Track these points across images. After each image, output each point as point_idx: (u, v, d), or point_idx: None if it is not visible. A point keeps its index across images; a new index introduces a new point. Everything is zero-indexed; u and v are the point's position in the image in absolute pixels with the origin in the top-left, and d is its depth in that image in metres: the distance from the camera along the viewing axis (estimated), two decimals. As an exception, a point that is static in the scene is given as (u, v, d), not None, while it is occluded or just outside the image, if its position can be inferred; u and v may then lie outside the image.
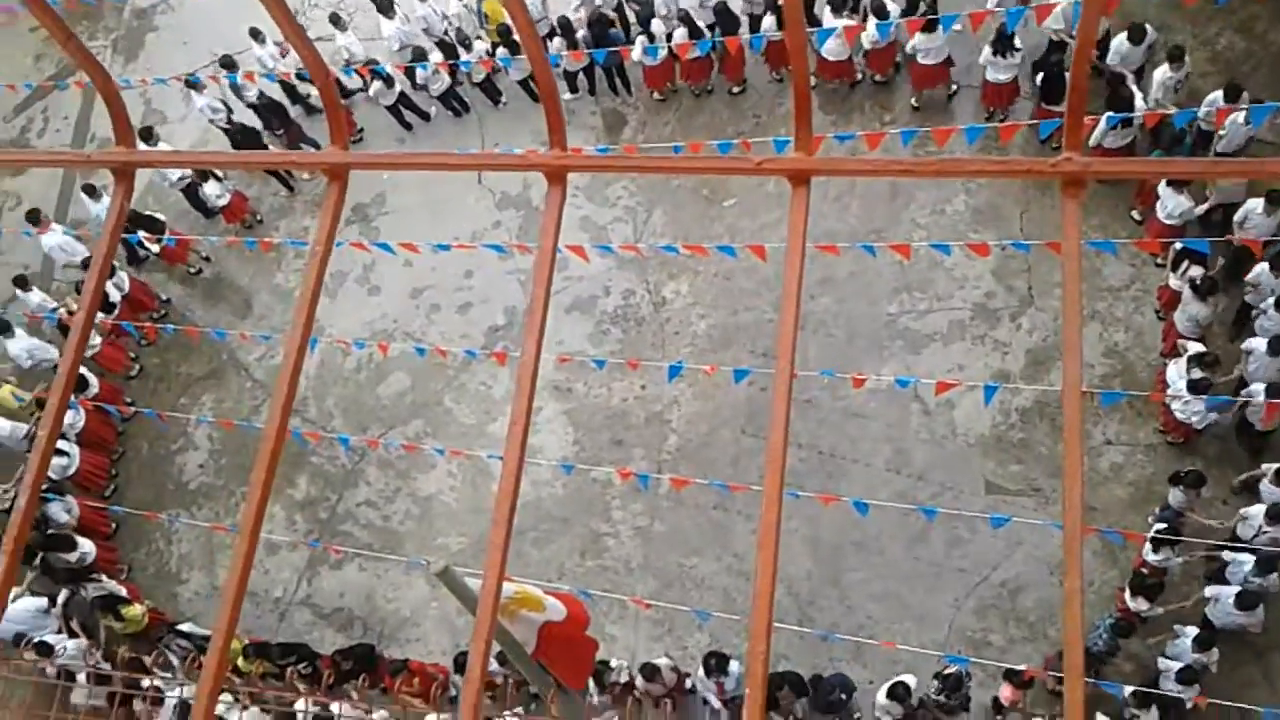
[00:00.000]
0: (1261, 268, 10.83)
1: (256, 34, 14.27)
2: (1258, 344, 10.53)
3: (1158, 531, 10.30)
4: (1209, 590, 10.05)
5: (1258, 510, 10.02)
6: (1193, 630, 9.88)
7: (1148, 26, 11.95)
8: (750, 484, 11.21)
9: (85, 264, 13.82)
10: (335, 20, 14.37)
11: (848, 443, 12.14)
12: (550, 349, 12.69)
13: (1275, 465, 10.26)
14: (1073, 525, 1.01)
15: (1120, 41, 11.96)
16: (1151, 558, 10.24)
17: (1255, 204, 10.98)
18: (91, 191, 14.07)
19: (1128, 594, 10.27)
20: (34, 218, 13.76)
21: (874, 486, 11.64)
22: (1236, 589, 9.75)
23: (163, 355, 14.56)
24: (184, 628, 12.07)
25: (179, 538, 13.43)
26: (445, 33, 14.57)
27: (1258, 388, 10.32)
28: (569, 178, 1.30)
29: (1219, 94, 11.36)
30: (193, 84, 14.15)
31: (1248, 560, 9.89)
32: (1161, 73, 11.66)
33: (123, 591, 12.26)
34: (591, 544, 12.33)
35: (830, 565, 11.60)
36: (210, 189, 14.29)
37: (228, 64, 14.33)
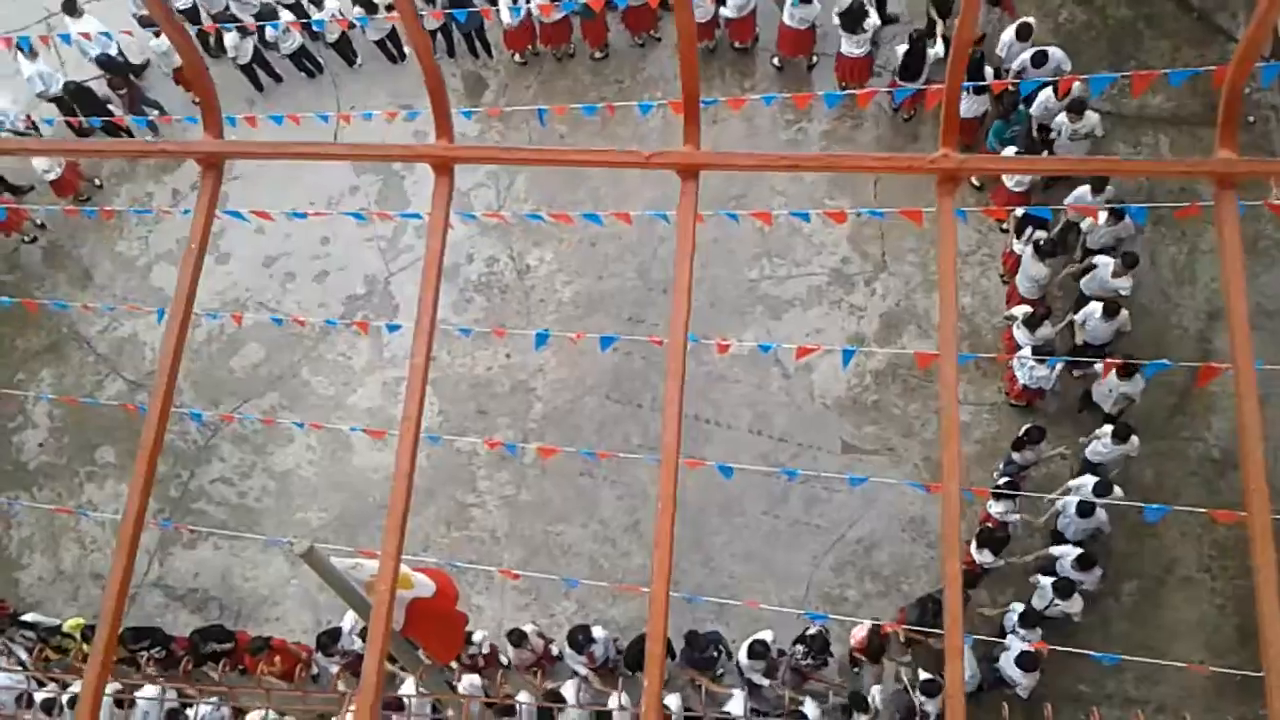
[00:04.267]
0: (1083, 190, 11.49)
1: (72, 7, 13.38)
2: (1093, 308, 11.11)
3: (999, 486, 10.84)
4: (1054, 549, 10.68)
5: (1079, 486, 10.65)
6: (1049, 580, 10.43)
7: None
8: (616, 450, 11.31)
9: None
10: None
11: (711, 407, 12.34)
12: (412, 318, 12.47)
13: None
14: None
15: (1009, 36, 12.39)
16: (994, 510, 10.78)
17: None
18: None
19: (973, 546, 10.77)
20: None
21: (737, 450, 11.87)
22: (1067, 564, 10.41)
23: (-5, 329, 13.76)
24: (27, 618, 11.52)
25: (18, 521, 12.78)
26: None
27: (1094, 306, 10.92)
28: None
29: (1011, 33, 12.10)
30: (22, 48, 13.24)
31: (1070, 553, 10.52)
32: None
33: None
34: (457, 515, 12.25)
35: (694, 528, 11.81)
36: (39, 162, 13.43)
37: (70, 9, 13.38)
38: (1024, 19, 12.30)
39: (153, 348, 13.44)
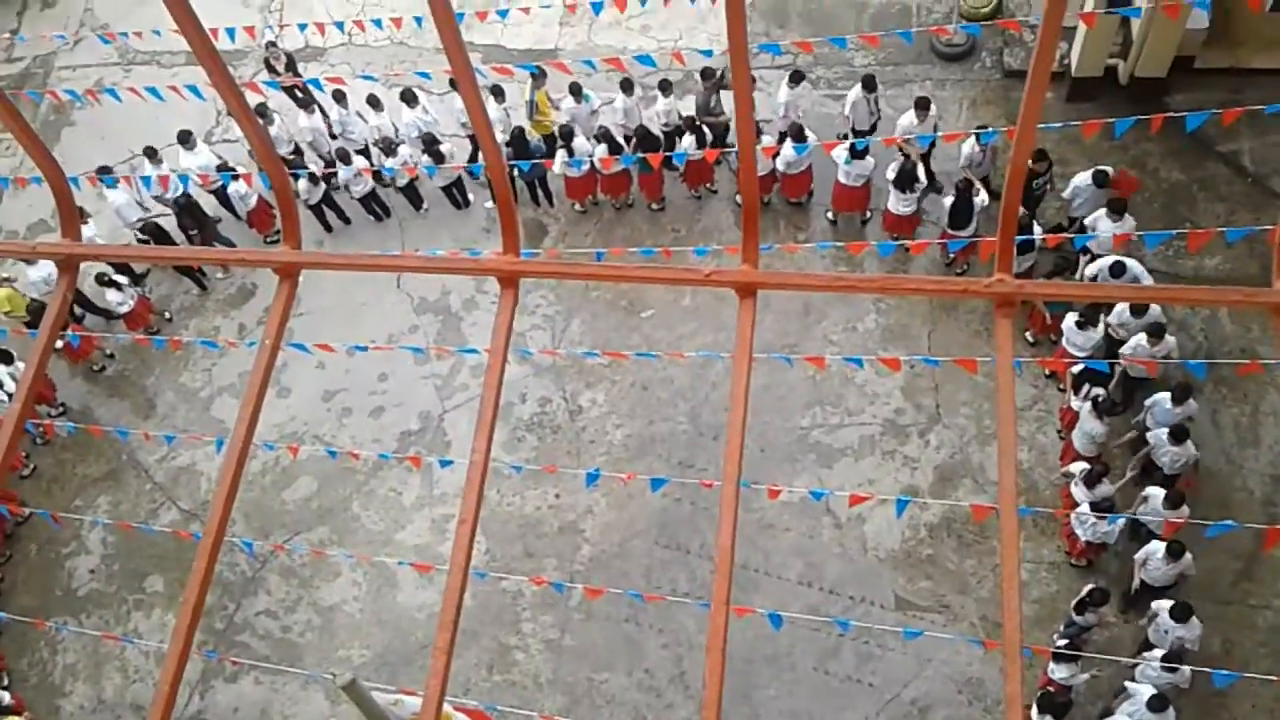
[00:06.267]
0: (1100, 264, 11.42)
1: (186, 138, 14.13)
2: (1154, 491, 10.90)
3: (1060, 647, 10.45)
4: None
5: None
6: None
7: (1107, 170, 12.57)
8: (665, 595, 11.12)
9: None
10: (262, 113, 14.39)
11: (760, 555, 12.15)
12: (464, 455, 12.55)
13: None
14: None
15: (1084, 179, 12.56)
16: (1057, 674, 10.36)
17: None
18: None
19: (1034, 713, 10.33)
20: None
21: (786, 600, 11.63)
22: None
23: (58, 455, 14.03)
24: (61, 746, 11.42)
25: (64, 647, 12.76)
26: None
27: (1155, 546, 10.66)
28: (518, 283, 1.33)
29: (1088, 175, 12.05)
30: (106, 182, 13.92)
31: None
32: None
33: (6, 698, 11.58)
34: (500, 658, 12.04)
35: (741, 680, 11.48)
36: (112, 297, 13.94)
37: (151, 154, 14.14)
38: (1117, 197, 12.25)
39: (209, 478, 13.61)
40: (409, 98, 14.11)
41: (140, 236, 14.40)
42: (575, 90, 13.88)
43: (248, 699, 12.22)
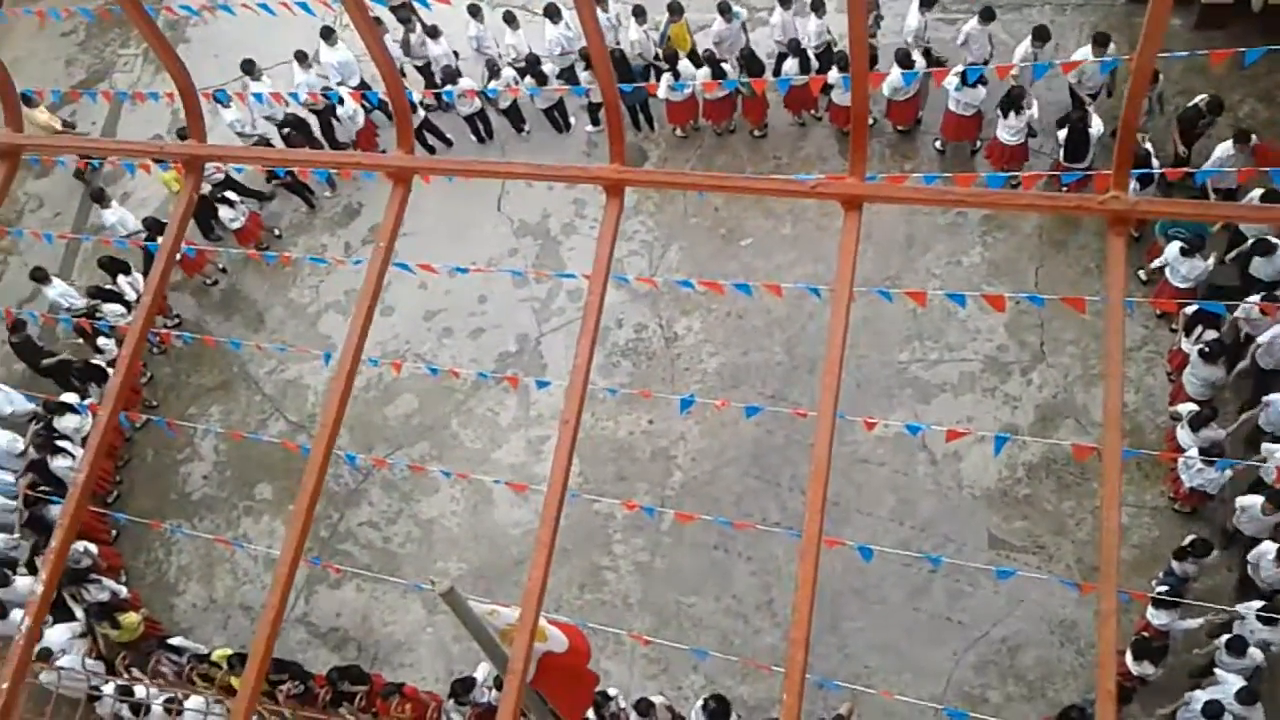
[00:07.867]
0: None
1: (329, 34, 14.34)
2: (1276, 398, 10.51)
3: (1161, 594, 10.24)
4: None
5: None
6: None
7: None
8: (755, 524, 11.19)
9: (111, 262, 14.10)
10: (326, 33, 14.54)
11: (853, 489, 12.11)
12: (560, 377, 12.72)
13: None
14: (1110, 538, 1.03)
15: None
16: (1155, 620, 10.19)
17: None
18: (100, 198, 14.22)
19: (1129, 657, 10.18)
20: (39, 274, 13.94)
21: (877, 535, 11.60)
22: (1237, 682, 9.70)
23: (174, 364, 14.61)
24: (175, 641, 12.03)
25: (178, 548, 13.41)
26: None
27: (1268, 546, 10.25)
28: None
29: (1229, 143, 11.50)
30: (220, 101, 14.22)
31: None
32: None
33: (124, 593, 12.26)
34: (591, 577, 12.29)
35: (830, 612, 11.54)
36: (225, 213, 14.36)
37: (301, 58, 14.35)
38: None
39: (315, 391, 14.05)
40: (552, 13, 14.00)
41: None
42: (724, 9, 13.52)
43: (349, 605, 12.72)
